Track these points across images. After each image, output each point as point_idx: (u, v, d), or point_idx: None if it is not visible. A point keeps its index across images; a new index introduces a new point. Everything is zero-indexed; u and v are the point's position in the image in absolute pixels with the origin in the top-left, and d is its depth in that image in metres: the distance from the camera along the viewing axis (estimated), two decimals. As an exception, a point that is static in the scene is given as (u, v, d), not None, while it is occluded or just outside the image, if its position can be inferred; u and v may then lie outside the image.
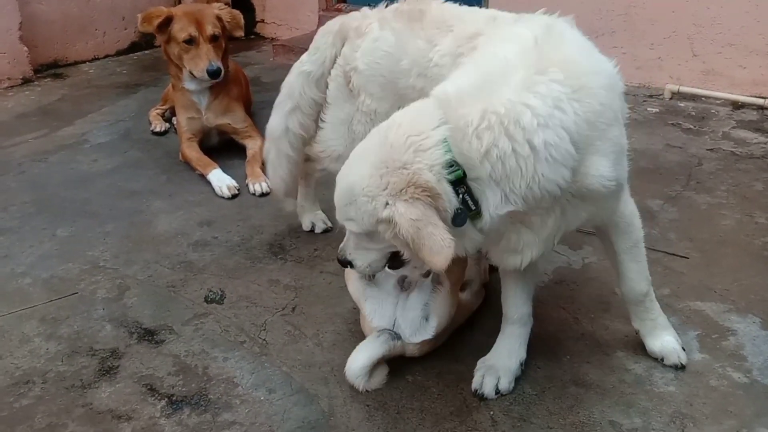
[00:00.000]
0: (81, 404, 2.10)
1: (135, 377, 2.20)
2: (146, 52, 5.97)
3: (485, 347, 2.22)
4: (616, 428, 1.96)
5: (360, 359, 2.09)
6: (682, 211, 3.15)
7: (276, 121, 2.80)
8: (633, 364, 2.21)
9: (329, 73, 2.59)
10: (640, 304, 2.20)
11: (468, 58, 1.90)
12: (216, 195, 3.42)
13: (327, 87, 2.60)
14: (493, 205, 1.68)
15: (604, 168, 1.74)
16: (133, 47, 5.98)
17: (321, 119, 2.67)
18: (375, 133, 1.80)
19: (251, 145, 3.74)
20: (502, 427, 1.98)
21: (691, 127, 4.13)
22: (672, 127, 4.14)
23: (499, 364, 2.12)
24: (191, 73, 3.60)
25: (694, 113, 4.33)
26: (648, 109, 4.44)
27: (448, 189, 1.64)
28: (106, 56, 5.82)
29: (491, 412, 2.03)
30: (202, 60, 3.54)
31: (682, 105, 4.47)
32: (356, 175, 1.73)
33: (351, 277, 2.29)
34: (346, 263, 1.95)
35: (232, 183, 3.46)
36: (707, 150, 3.79)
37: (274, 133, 2.81)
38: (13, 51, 5.07)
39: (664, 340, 2.20)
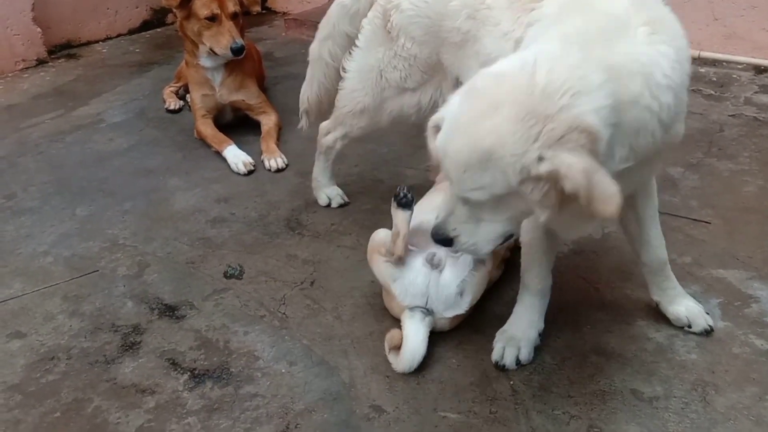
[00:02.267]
0: (105, 379, 2.13)
1: (157, 352, 2.23)
2: (158, 30, 5.95)
3: (504, 318, 2.21)
4: (637, 396, 1.96)
5: (421, 347, 2.08)
6: (703, 178, 3.10)
7: (314, 45, 2.88)
8: (654, 333, 2.19)
9: (365, 13, 2.55)
10: (661, 272, 2.18)
11: (550, 8, 1.80)
12: (232, 171, 3.42)
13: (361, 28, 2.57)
14: (618, 158, 1.58)
15: (682, 129, 1.77)
16: (145, 25, 5.96)
17: (344, 69, 2.63)
18: (495, 85, 1.57)
19: (266, 120, 3.73)
20: (523, 397, 1.98)
21: (713, 92, 4.04)
22: (693, 93, 4.03)
23: (519, 335, 2.11)
24: (211, 50, 3.57)
25: (715, 79, 4.24)
26: (667, 75, 4.35)
27: (608, 134, 1.50)
28: (119, 35, 5.80)
29: (511, 382, 2.03)
30: (225, 37, 3.50)
31: (702, 70, 4.36)
32: (492, 134, 1.50)
33: (376, 260, 2.25)
34: (447, 241, 1.76)
35: (248, 159, 3.45)
36: (729, 116, 3.72)
37: (312, 56, 2.91)
38: (27, 32, 5.07)
39: (688, 306, 2.18)
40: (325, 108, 2.99)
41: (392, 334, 2.13)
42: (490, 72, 1.62)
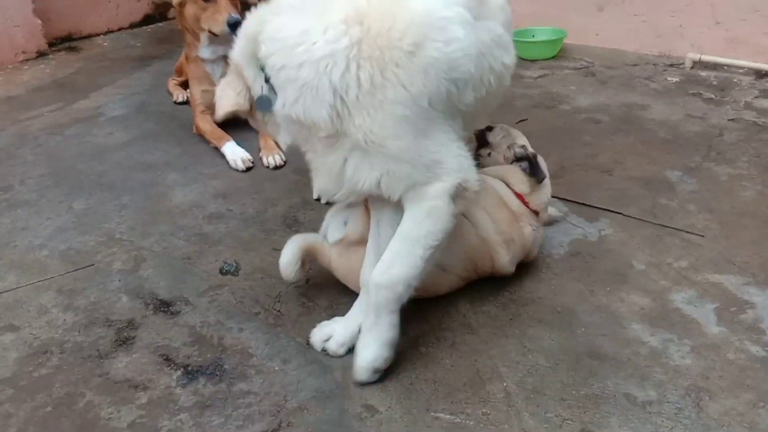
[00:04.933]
0: (98, 374, 2.13)
1: (151, 348, 2.23)
2: (159, 24, 5.95)
3: (499, 319, 2.21)
4: (630, 400, 1.95)
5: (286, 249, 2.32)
6: (701, 182, 3.09)
7: None
8: (649, 337, 2.19)
9: None
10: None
11: None
12: (230, 168, 3.42)
13: None
14: None
15: None
16: (146, 20, 5.96)
17: None
18: None
19: (265, 117, 3.72)
20: (516, 399, 1.98)
21: (713, 96, 4.04)
22: (693, 96, 4.05)
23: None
24: (210, 32, 3.56)
25: (715, 82, 4.23)
26: (668, 78, 4.35)
27: None
28: (120, 29, 5.80)
29: (504, 384, 2.03)
30: (221, 13, 3.46)
31: (703, 74, 4.36)
32: None
33: None
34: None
35: (247, 156, 3.45)
36: (729, 120, 3.71)
37: None
38: (28, 24, 5.07)
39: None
40: None
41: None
42: None
